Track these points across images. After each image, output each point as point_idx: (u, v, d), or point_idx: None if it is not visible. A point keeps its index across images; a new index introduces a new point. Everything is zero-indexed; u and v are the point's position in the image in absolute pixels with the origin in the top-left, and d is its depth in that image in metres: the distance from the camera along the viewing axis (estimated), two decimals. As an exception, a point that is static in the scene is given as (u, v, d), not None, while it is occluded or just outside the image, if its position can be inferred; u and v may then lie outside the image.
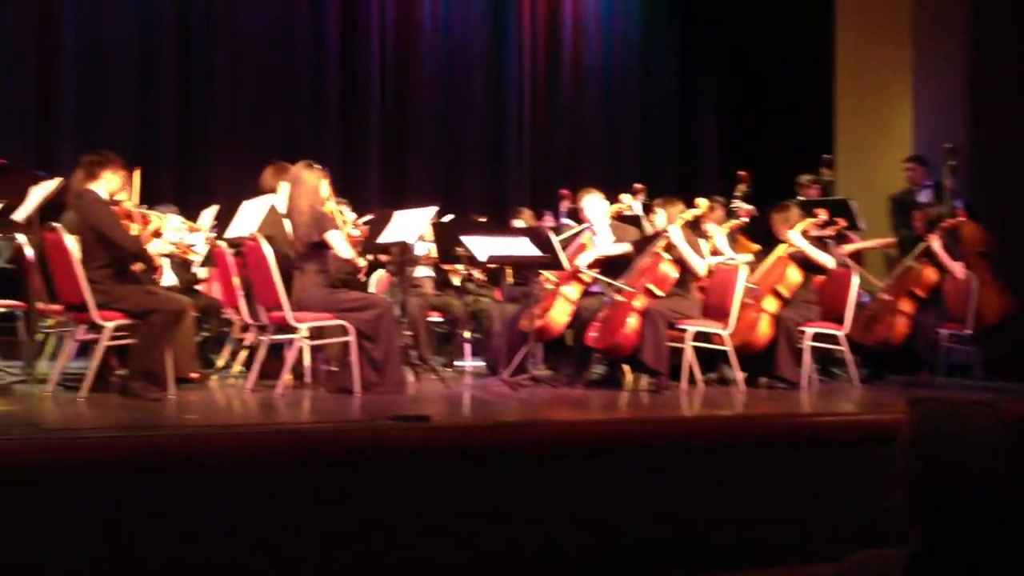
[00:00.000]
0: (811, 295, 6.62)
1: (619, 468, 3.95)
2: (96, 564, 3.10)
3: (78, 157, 5.70)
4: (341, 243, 5.69)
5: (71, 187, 5.67)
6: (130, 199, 5.88)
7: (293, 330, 5.51)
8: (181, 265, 6.94)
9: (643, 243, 6.52)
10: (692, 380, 6.10)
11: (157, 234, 5.97)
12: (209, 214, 6.92)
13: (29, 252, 5.91)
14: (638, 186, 8.19)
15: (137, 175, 6.04)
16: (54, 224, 5.32)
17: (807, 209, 7.05)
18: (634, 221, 7.27)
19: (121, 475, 3.26)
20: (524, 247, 6.07)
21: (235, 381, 6.13)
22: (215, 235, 6.47)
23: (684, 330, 6.08)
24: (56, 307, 5.83)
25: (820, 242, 6.79)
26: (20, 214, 5.73)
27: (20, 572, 3.03)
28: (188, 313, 5.67)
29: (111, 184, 5.44)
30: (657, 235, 6.34)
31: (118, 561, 3.13)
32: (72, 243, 5.20)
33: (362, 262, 6.25)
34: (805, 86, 10.89)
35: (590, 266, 6.47)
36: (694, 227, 6.59)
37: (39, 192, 5.69)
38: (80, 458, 3.26)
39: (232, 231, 6.23)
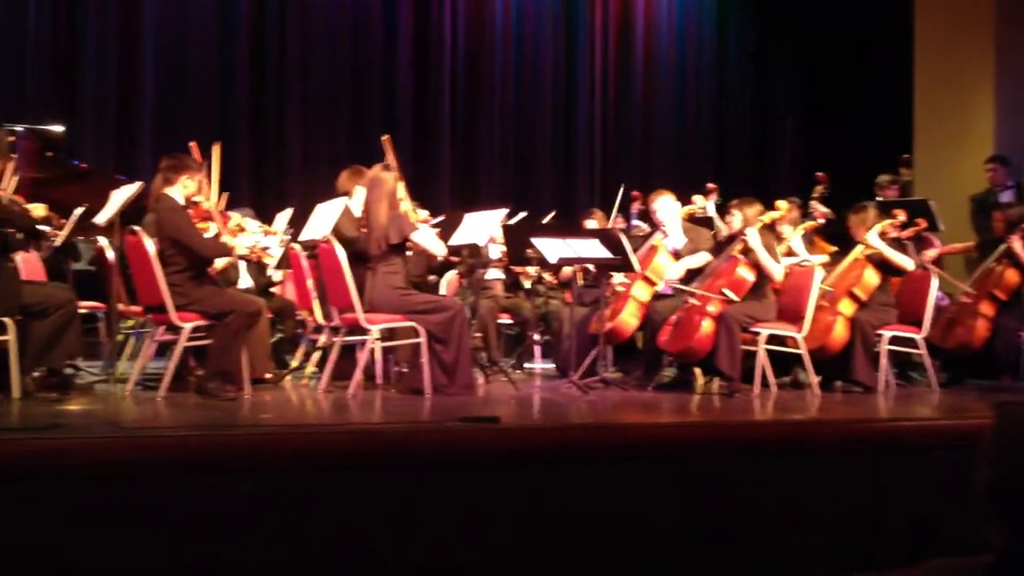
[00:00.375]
0: (889, 297, 6.48)
1: (690, 472, 3.91)
2: (171, 561, 3.16)
3: (157, 161, 5.83)
4: (430, 240, 5.73)
5: (151, 191, 5.81)
6: (208, 199, 5.99)
7: (365, 332, 5.56)
8: (256, 267, 7.06)
9: (719, 246, 6.44)
10: (765, 384, 6.02)
11: (241, 229, 6.08)
12: (284, 217, 7.02)
13: (110, 254, 6.06)
14: (711, 186, 8.11)
15: (216, 152, 6.13)
16: (134, 227, 5.45)
17: (885, 210, 6.91)
18: (707, 223, 7.19)
19: (197, 473, 3.32)
20: (595, 249, 6.05)
21: (308, 382, 6.22)
22: (289, 238, 6.57)
23: (757, 333, 5.99)
24: (136, 308, 5.97)
25: (898, 244, 6.65)
26: (101, 217, 5.88)
27: (99, 569, 3.10)
28: (263, 314, 5.76)
29: (187, 188, 5.55)
30: (733, 238, 6.26)
31: (193, 558, 3.19)
32: (151, 246, 5.32)
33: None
34: (884, 84, 10.69)
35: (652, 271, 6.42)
36: (769, 229, 6.49)
37: (120, 196, 5.82)
38: (158, 457, 3.32)
39: (306, 234, 6.31)
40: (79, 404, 4.88)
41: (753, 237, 6.10)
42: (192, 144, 6.15)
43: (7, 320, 4.85)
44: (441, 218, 6.80)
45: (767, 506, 3.93)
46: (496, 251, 7.08)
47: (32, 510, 3.08)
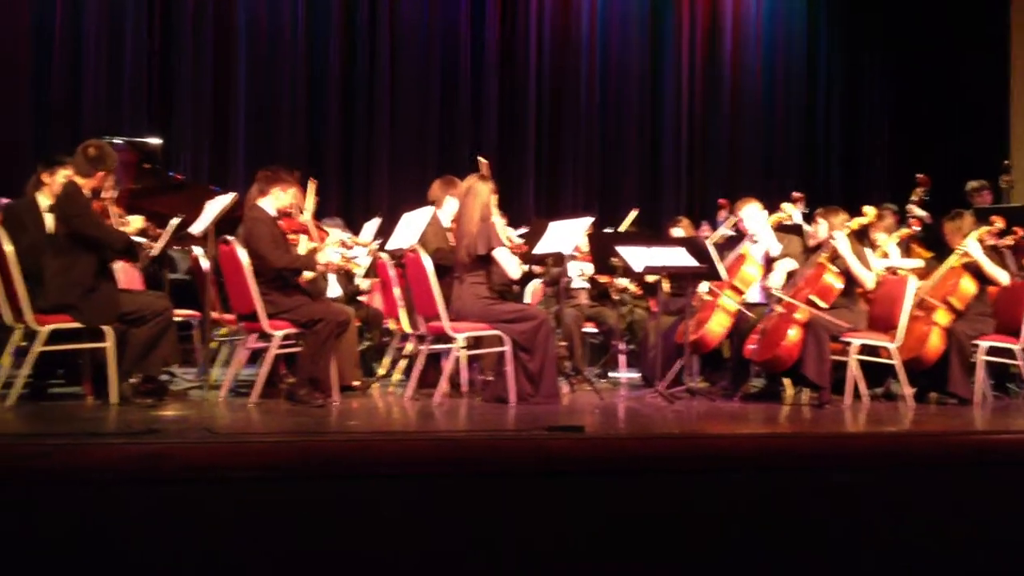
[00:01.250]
0: (986, 307, 6.29)
1: (778, 485, 3.84)
2: (262, 563, 3.23)
3: (250, 171, 5.96)
4: (509, 261, 5.71)
5: (245, 202, 5.94)
6: (303, 212, 6.09)
7: (451, 340, 5.60)
8: (345, 277, 7.17)
9: (807, 253, 6.34)
10: (857, 395, 5.89)
11: (344, 245, 6.19)
12: (371, 226, 7.12)
13: (205, 264, 6.22)
14: (797, 195, 7.98)
15: (312, 188, 6.26)
16: (228, 237, 5.58)
17: (983, 217, 6.71)
18: (795, 230, 7.08)
19: (287, 479, 3.38)
20: (680, 257, 6.00)
21: (395, 389, 6.29)
22: (377, 247, 6.66)
23: (848, 343, 5.87)
24: (229, 317, 6.11)
25: (996, 252, 6.45)
26: (197, 228, 6.04)
27: (190, 571, 3.17)
28: (351, 323, 5.85)
29: (280, 200, 5.66)
30: (821, 245, 6.15)
31: (281, 560, 3.25)
32: (244, 256, 5.44)
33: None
34: (979, 87, 10.38)
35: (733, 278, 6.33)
36: (862, 236, 6.35)
37: (214, 206, 5.97)
38: (249, 461, 3.39)
39: (393, 243, 6.39)
40: (174, 410, 5.01)
41: (841, 242, 5.99)
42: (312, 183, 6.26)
43: (106, 328, 5.01)
44: (525, 230, 6.81)
45: (859, 521, 3.84)
46: (576, 270, 7.14)
47: (128, 513, 3.17)
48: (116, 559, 3.10)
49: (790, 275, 6.25)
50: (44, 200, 5.39)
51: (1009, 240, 6.75)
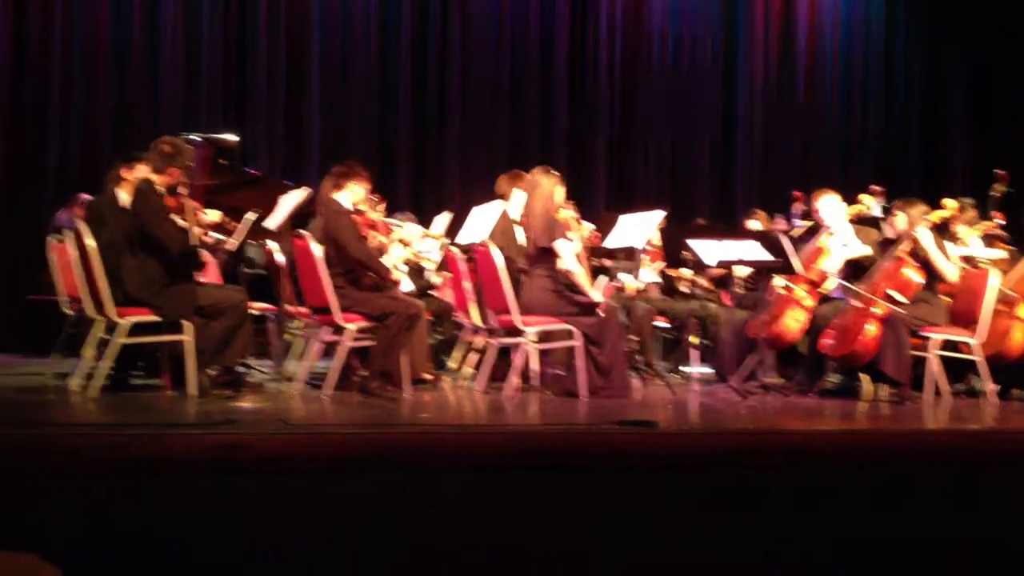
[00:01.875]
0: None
1: (855, 482, 3.77)
2: (333, 553, 3.26)
3: (324, 167, 6.02)
4: (568, 253, 5.71)
5: (319, 196, 6.01)
6: (375, 209, 6.14)
7: (521, 334, 5.60)
8: (416, 271, 7.21)
9: (885, 246, 6.20)
10: (937, 392, 5.75)
11: (404, 243, 6.23)
12: (442, 221, 7.15)
13: (280, 258, 6.31)
14: (876, 187, 7.81)
15: (382, 207, 6.33)
16: (302, 232, 5.65)
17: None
18: (873, 223, 6.93)
19: (359, 470, 3.41)
20: (754, 251, 5.92)
21: (466, 383, 6.31)
22: (448, 241, 6.68)
23: (928, 338, 5.73)
24: (303, 310, 6.18)
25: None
26: (272, 222, 6.12)
27: (265, 559, 3.22)
28: (422, 317, 5.88)
29: (355, 195, 5.72)
30: (900, 238, 6.01)
31: (352, 550, 3.28)
32: (318, 250, 5.50)
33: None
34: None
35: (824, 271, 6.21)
36: (942, 230, 6.20)
37: (289, 201, 6.05)
38: (323, 452, 3.43)
39: (463, 237, 6.41)
40: (250, 401, 5.09)
41: (924, 236, 5.85)
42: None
43: (185, 322, 5.10)
44: (592, 227, 6.76)
45: (940, 520, 3.75)
46: (650, 277, 7.11)
47: (206, 502, 3.23)
48: (192, 548, 3.16)
49: (862, 267, 6.11)
50: (123, 195, 5.51)
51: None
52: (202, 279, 5.90)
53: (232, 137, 8.38)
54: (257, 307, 6.34)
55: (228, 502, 3.24)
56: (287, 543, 3.24)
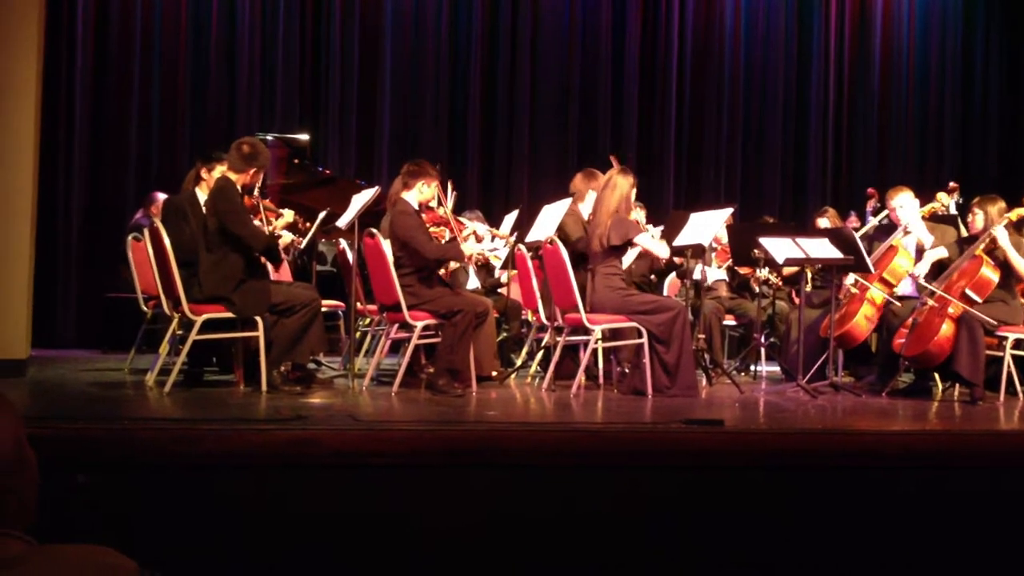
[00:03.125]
0: None
1: (928, 484, 3.71)
2: (401, 547, 3.31)
3: (394, 167, 6.08)
4: (654, 244, 5.81)
5: (389, 195, 6.08)
6: (444, 206, 6.20)
7: (588, 332, 5.61)
8: (484, 269, 7.26)
9: (962, 244, 6.08)
10: (1012, 391, 5.62)
11: (477, 238, 6.29)
12: (511, 219, 7.18)
13: (350, 256, 6.39)
14: (953, 184, 7.66)
15: (449, 186, 6.39)
16: (372, 230, 5.72)
17: None
18: (951, 221, 6.79)
19: (426, 466, 3.45)
20: (825, 249, 5.84)
21: (532, 380, 6.33)
22: (515, 239, 6.71)
23: (1003, 337, 5.61)
24: (372, 307, 6.27)
25: None
26: (343, 220, 6.21)
27: (334, 554, 3.28)
28: (490, 314, 5.91)
29: (423, 194, 5.77)
30: (977, 236, 5.89)
31: (420, 544, 3.32)
32: (388, 248, 5.57)
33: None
34: None
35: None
36: (1020, 227, 6.05)
37: (359, 200, 6.13)
38: (391, 449, 3.49)
39: (532, 235, 6.43)
40: (320, 397, 5.18)
41: (1002, 235, 5.72)
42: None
43: (258, 318, 5.21)
44: (660, 228, 6.75)
45: (1015, 523, 3.67)
46: (716, 273, 7.09)
47: (276, 496, 3.30)
48: (263, 540, 3.23)
49: (939, 265, 6.01)
50: (203, 195, 5.64)
51: None
52: (274, 277, 6.01)
53: (304, 137, 8.56)
54: (328, 304, 6.43)
55: (297, 497, 3.31)
56: (355, 538, 3.30)
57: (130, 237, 6.26)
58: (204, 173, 5.77)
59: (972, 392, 5.54)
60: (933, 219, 6.54)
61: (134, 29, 9.04)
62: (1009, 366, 5.61)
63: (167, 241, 5.24)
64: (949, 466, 3.83)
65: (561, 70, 10.31)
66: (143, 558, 1.46)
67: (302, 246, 6.32)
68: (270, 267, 5.85)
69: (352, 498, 3.34)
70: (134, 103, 9.00)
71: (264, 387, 5.13)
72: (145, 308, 6.17)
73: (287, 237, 5.97)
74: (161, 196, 7.13)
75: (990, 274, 5.70)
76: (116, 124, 8.96)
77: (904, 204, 6.28)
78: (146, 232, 5.51)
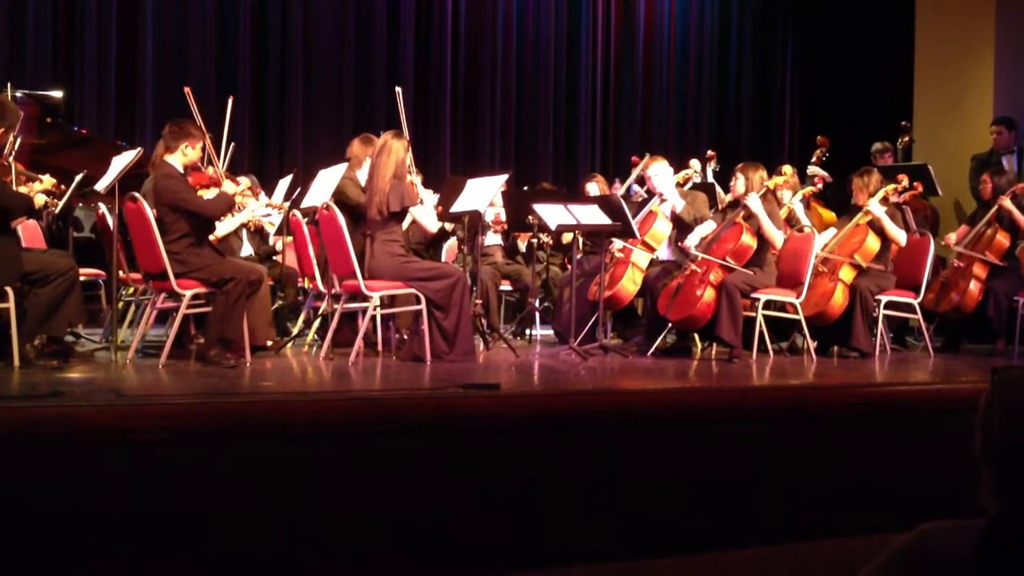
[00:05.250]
0: (888, 263, 6.49)
1: (689, 438, 3.93)
2: (170, 529, 3.19)
3: (157, 127, 5.81)
4: (427, 217, 5.74)
5: (152, 158, 5.79)
6: (216, 165, 5.97)
7: (366, 299, 5.57)
8: (258, 235, 7.06)
9: (721, 212, 6.45)
10: (764, 349, 6.04)
11: (253, 193, 6.11)
12: (284, 183, 7.01)
13: (111, 222, 6.06)
14: (710, 153, 8.11)
15: (230, 104, 6.18)
16: (135, 194, 5.44)
17: (889, 175, 6.90)
18: (705, 188, 7.19)
19: (197, 441, 3.33)
20: (595, 215, 6.05)
21: (309, 349, 6.24)
22: (289, 206, 6.56)
23: (757, 299, 6.01)
24: (136, 276, 5.98)
25: (898, 209, 6.65)
26: (102, 184, 5.87)
27: (94, 533, 3.12)
28: (264, 282, 5.76)
29: (187, 156, 5.50)
30: (736, 203, 6.26)
31: (192, 524, 3.22)
32: (152, 213, 5.31)
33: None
34: (885, 50, 10.67)
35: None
36: (770, 195, 6.48)
37: (120, 162, 5.81)
38: (159, 424, 3.34)
39: (307, 200, 6.30)
40: (80, 372, 4.90)
41: (755, 203, 6.11)
42: (186, 89, 6.16)
43: (7, 288, 4.85)
44: (438, 195, 6.79)
45: (765, 471, 3.96)
46: (491, 239, 7.20)
47: (33, 476, 3.10)
48: (19, 524, 3.04)
49: (685, 228, 6.38)
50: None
51: (908, 196, 6.97)
52: (26, 244, 5.61)
53: (58, 94, 8.00)
54: (87, 273, 6.11)
55: (56, 478, 3.12)
56: (118, 517, 3.15)
57: None
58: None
59: (730, 352, 5.92)
60: (694, 187, 6.92)
61: None
62: (761, 326, 6.02)
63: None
64: (707, 420, 4.07)
65: (335, 33, 10.15)
66: None
67: (57, 211, 5.92)
68: (21, 234, 5.46)
69: (115, 477, 3.17)
70: None
71: (16, 362, 4.80)
72: None
73: (40, 200, 5.57)
74: None
75: (748, 240, 6.07)
76: None
77: (659, 172, 6.62)
78: None
